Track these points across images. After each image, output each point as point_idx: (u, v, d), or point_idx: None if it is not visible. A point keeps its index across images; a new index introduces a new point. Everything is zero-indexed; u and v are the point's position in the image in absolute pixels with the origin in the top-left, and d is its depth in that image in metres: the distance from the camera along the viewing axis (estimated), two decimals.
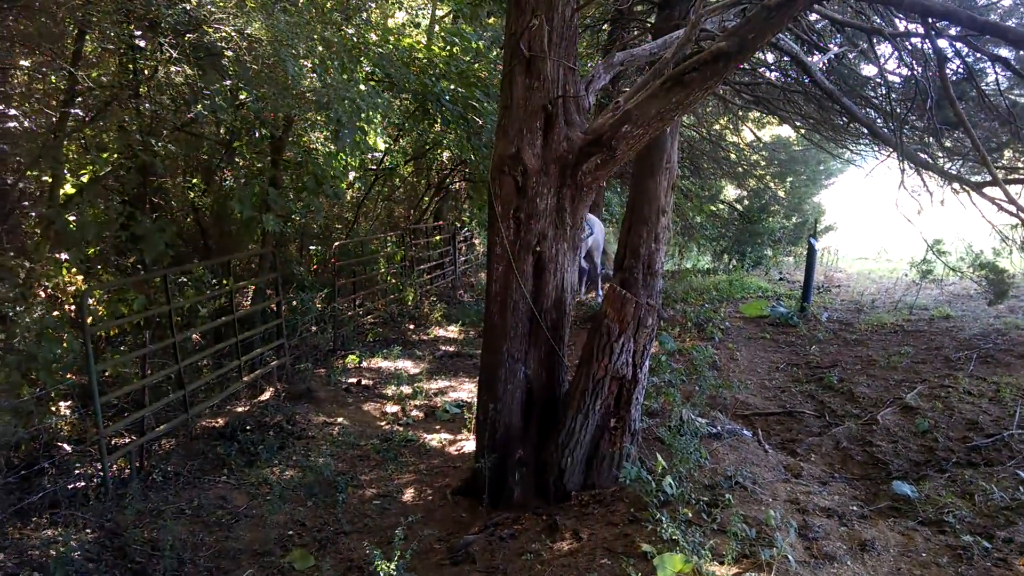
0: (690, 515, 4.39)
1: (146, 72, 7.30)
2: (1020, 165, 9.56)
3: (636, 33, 13.71)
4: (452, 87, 10.66)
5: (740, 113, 17.04)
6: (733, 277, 16.61)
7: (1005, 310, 11.37)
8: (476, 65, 11.48)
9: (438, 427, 8.05)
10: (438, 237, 16.97)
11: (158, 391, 7.46)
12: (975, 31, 6.54)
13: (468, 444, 7.39)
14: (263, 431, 7.40)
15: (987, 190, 7.61)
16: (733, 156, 18.68)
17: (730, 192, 21.04)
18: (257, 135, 8.81)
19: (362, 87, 8.73)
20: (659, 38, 7.32)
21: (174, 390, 7.22)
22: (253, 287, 9.67)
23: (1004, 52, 7.43)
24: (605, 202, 20.44)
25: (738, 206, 20.03)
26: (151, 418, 6.86)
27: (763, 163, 19.23)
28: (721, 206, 20.29)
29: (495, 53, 11.96)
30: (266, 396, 8.44)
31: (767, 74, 12.28)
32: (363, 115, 8.36)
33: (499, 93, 6.35)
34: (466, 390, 9.29)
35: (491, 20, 12.83)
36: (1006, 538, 4.64)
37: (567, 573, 4.17)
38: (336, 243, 11.98)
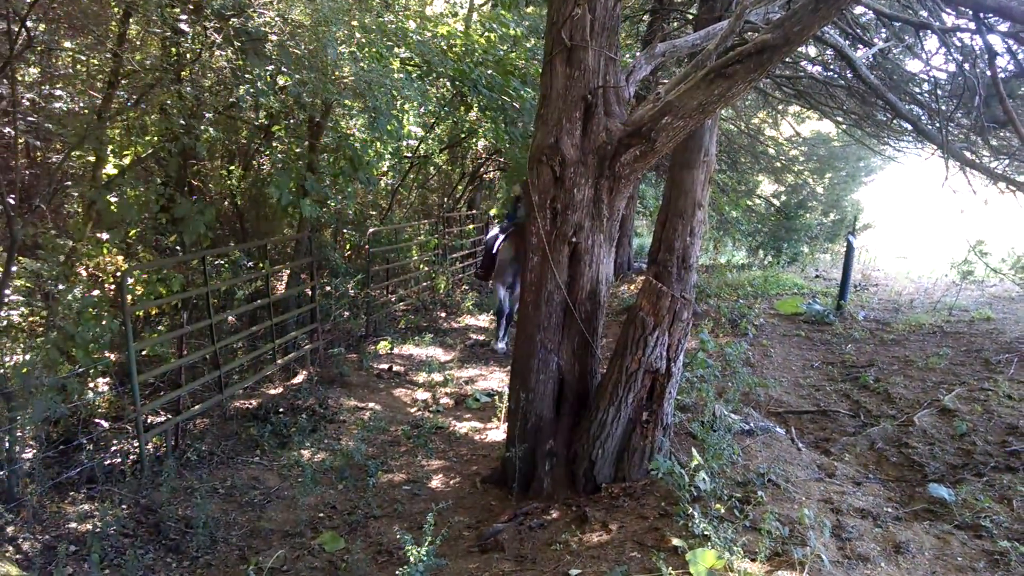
0: (722, 511, 4.35)
1: (189, 56, 7.37)
2: None
3: (676, 24, 13.60)
4: (489, 72, 10.62)
5: (780, 107, 16.83)
6: (768, 273, 16.42)
7: None
8: (513, 54, 11.44)
9: (468, 415, 8.08)
10: (471, 226, 16.99)
11: (194, 371, 7.57)
12: None
13: (497, 433, 7.41)
14: (295, 414, 7.48)
15: None
16: (771, 151, 18.46)
17: (767, 187, 20.81)
18: (296, 120, 8.87)
19: (398, 75, 8.74)
20: (701, 29, 7.24)
21: (209, 371, 7.32)
22: (288, 271, 9.76)
23: None
24: (640, 195, 20.32)
25: (775, 201, 19.80)
26: (187, 398, 6.96)
27: (802, 158, 18.98)
28: (758, 201, 20.06)
29: (532, 43, 11.91)
30: (299, 379, 8.52)
31: (809, 68, 12.11)
32: (399, 103, 8.38)
33: (538, 82, 6.32)
34: (496, 379, 9.31)
35: (530, 9, 12.78)
36: None
37: (596, 565, 4.16)
38: (370, 230, 12.05)
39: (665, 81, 7.85)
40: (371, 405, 8.14)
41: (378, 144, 10.18)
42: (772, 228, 19.27)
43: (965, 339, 10.07)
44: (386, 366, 9.53)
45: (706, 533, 3.92)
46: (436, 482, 6.40)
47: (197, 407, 6.91)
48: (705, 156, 10.48)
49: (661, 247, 10.66)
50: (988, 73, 6.52)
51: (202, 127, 7.71)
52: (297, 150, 8.93)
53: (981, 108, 7.35)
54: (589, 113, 5.48)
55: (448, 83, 10.94)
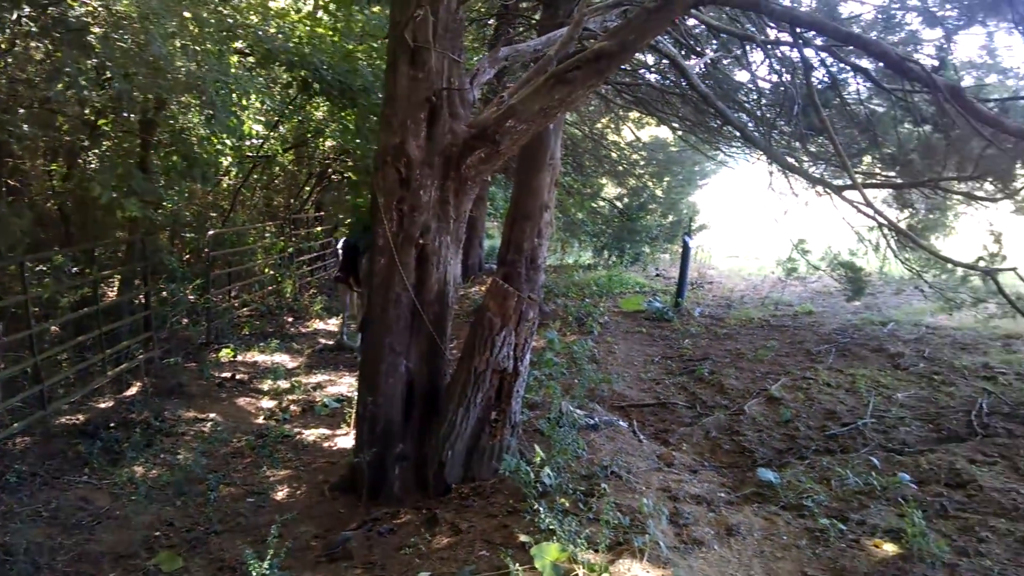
0: (567, 505, 4.46)
1: (3, 46, 6.79)
2: (878, 171, 10.18)
3: (522, 29, 13.83)
4: (336, 61, 10.31)
5: (621, 113, 17.45)
6: (612, 273, 17.03)
7: (861, 306, 12.15)
8: (362, 46, 11.22)
9: (316, 422, 7.88)
10: (319, 228, 16.60)
11: (12, 386, 6.98)
12: (839, 42, 6.92)
13: (347, 439, 7.27)
14: (129, 428, 7.04)
15: (847, 193, 8.03)
16: (614, 155, 19.12)
17: (610, 190, 21.53)
18: (127, 116, 8.35)
19: (234, 70, 8.39)
20: (544, 35, 7.41)
21: (30, 385, 6.77)
22: (120, 277, 9.18)
23: (865, 63, 7.86)
24: (489, 196, 20.53)
25: (618, 204, 20.52)
26: (5, 415, 6.41)
27: (642, 162, 19.76)
28: (602, 203, 20.72)
29: (380, 42, 11.76)
30: (132, 391, 8.04)
31: (647, 76, 12.64)
32: (237, 98, 8.05)
33: (384, 82, 6.25)
34: (346, 384, 9.13)
35: (376, 8, 12.61)
36: (859, 520, 4.94)
37: (446, 566, 4.16)
38: (210, 232, 11.53)
39: (511, 85, 7.97)
40: (212, 416, 7.78)
41: (215, 139, 9.70)
42: (616, 229, 19.96)
43: (790, 332, 10.83)
44: (229, 374, 9.15)
45: (551, 527, 4.00)
46: (282, 493, 6.20)
47: (16, 424, 6.38)
48: (551, 159, 10.73)
49: (510, 248, 10.83)
50: (805, 84, 7.03)
51: (17, 122, 7.12)
52: (125, 146, 8.41)
53: (800, 116, 7.91)
54: (434, 115, 5.47)
55: (289, 69, 10.54)
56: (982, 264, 8.02)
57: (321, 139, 14.68)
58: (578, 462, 5.31)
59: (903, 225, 9.47)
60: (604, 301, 13.40)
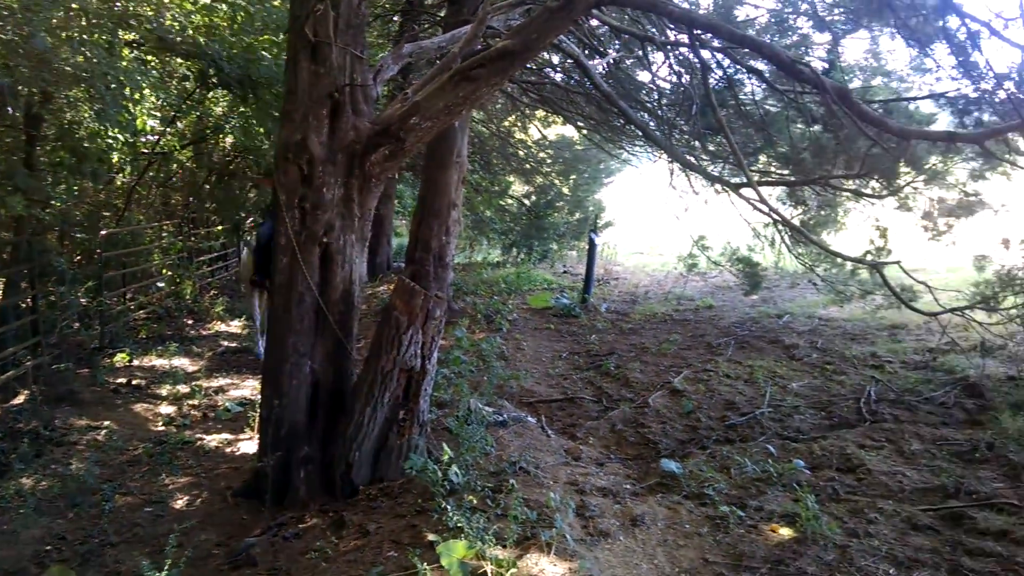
0: (475, 502, 4.47)
1: None
2: (773, 169, 10.57)
3: (427, 26, 13.75)
4: (236, 53, 10.00)
5: (527, 111, 17.56)
6: (521, 270, 17.16)
7: (759, 300, 12.60)
8: (264, 36, 10.92)
9: (219, 427, 7.64)
10: (220, 227, 16.12)
11: None
12: (734, 44, 7.15)
13: (250, 443, 7.08)
14: (15, 439, 6.67)
15: (743, 191, 8.31)
16: (521, 153, 19.24)
17: (518, 188, 21.66)
18: (9, 110, 7.90)
19: (125, 63, 8.04)
20: (449, 32, 7.39)
21: None
22: (4, 280, 8.68)
23: (760, 65, 8.14)
24: (397, 194, 20.37)
25: (526, 201, 20.67)
26: None
27: (549, 161, 19.94)
28: (510, 201, 20.82)
29: (282, 38, 11.48)
30: (19, 400, 7.62)
31: (552, 75, 12.76)
32: (130, 92, 7.72)
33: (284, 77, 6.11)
34: (249, 387, 8.90)
35: (276, 2, 12.32)
36: (757, 506, 5.13)
37: (353, 568, 4.11)
38: (104, 232, 11.04)
39: (417, 82, 7.92)
40: (107, 423, 7.45)
41: (106, 135, 9.25)
42: (524, 227, 20.10)
43: (691, 326, 11.14)
44: (124, 380, 8.78)
45: (459, 525, 4.00)
46: (182, 501, 5.99)
47: None
48: (458, 157, 10.72)
49: (418, 246, 10.77)
50: (703, 85, 7.23)
51: None
52: (8, 141, 7.95)
53: (698, 116, 8.14)
54: (337, 111, 5.39)
55: (186, 59, 10.16)
56: (869, 258, 8.43)
57: (221, 135, 14.24)
58: (486, 459, 5.33)
59: (796, 221, 9.88)
60: (513, 298, 13.49)
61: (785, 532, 4.75)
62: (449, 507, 4.22)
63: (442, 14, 12.49)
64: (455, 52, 5.49)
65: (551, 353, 9.96)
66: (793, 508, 4.97)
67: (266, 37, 10.62)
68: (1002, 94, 6.83)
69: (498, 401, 7.23)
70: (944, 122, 8.54)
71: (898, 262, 7.71)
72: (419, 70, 13.10)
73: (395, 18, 14.56)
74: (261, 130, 10.77)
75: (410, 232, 11.77)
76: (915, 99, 8.74)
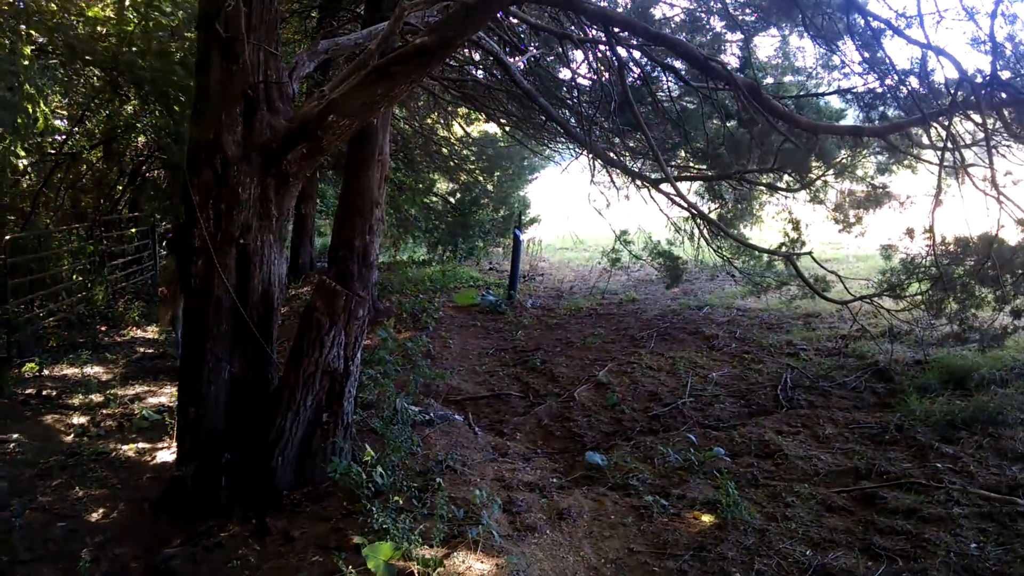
0: (401, 502, 4.45)
1: None
2: (691, 164, 10.80)
3: (346, 22, 13.57)
4: (148, 62, 9.73)
5: (450, 109, 17.52)
6: (447, 268, 17.12)
7: (680, 292, 12.86)
8: (175, 43, 10.64)
9: (135, 436, 7.39)
10: (134, 230, 15.59)
11: None
12: (650, 42, 7.28)
13: (170, 452, 6.88)
14: None
15: (663, 186, 8.47)
16: (445, 150, 19.17)
17: (443, 185, 21.58)
18: None
19: (27, 62, 7.71)
20: (366, 29, 7.31)
21: None
22: None
23: (676, 63, 8.30)
24: (319, 193, 20.05)
25: (451, 199, 20.62)
26: None
27: (473, 158, 19.94)
28: (435, 199, 20.74)
29: (195, 34, 11.17)
30: None
31: (473, 72, 12.76)
32: (34, 93, 7.41)
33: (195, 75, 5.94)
34: (167, 394, 8.63)
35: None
36: (680, 495, 5.24)
37: (277, 575, 4.05)
38: (7, 237, 10.55)
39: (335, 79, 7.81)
40: (15, 436, 7.12)
41: (7, 137, 8.84)
42: (449, 225, 20.06)
43: (615, 319, 11.30)
44: (34, 391, 8.41)
45: (385, 526, 3.98)
46: (97, 514, 5.77)
47: None
48: (380, 155, 10.62)
49: (341, 245, 10.64)
50: (620, 82, 7.33)
51: None
52: None
53: (617, 113, 8.25)
54: (251, 109, 5.27)
55: (98, 71, 9.83)
56: (784, 250, 8.70)
57: (133, 134, 13.77)
58: (413, 459, 5.30)
59: (714, 216, 10.13)
60: (439, 296, 13.44)
61: (707, 519, 4.87)
62: (375, 509, 4.20)
63: (360, 10, 12.34)
64: (372, 49, 5.44)
65: (478, 350, 9.96)
66: (714, 495, 5.09)
67: (176, 45, 10.34)
68: (905, 90, 7.12)
69: (424, 400, 7.20)
70: (852, 117, 8.86)
71: (810, 253, 7.99)
72: (341, 67, 12.93)
73: (312, 14, 14.31)
74: (172, 140, 10.46)
75: (332, 231, 11.62)
76: (824, 95, 9.06)
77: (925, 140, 8.53)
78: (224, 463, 5.33)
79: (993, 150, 7.10)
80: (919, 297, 8.12)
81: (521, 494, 5.00)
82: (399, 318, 11.30)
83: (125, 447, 7.06)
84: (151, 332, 11.79)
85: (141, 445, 7.12)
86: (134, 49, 9.60)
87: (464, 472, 5.17)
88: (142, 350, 10.71)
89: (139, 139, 14.28)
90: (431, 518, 4.25)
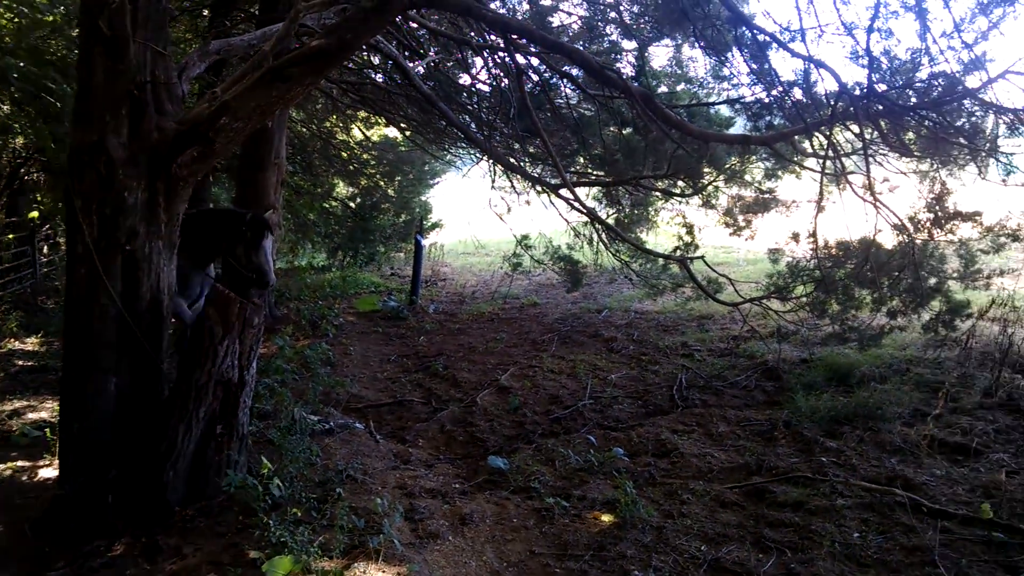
0: (300, 514, 4.35)
1: None
2: (590, 170, 10.99)
3: (239, 22, 13.19)
4: (22, 65, 9.22)
5: (349, 112, 17.28)
6: (347, 273, 16.85)
7: (580, 296, 13.06)
8: (52, 42, 10.12)
9: (14, 454, 6.97)
10: (11, 235, 14.73)
11: None
12: (548, 50, 7.38)
13: (52, 469, 6.53)
14: None
15: (562, 191, 8.59)
16: (344, 154, 18.86)
17: (342, 189, 21.24)
18: None
19: None
20: (261, 29, 7.13)
21: None
22: None
23: (574, 71, 8.43)
24: (213, 197, 19.41)
25: (351, 204, 20.31)
26: None
27: (373, 162, 19.69)
28: (334, 203, 20.37)
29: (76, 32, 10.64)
30: None
31: (373, 76, 12.62)
32: None
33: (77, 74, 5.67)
34: (49, 409, 8.19)
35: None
36: (580, 496, 5.33)
37: None
38: None
39: (227, 80, 7.56)
40: None
41: None
42: (349, 230, 19.74)
43: (517, 324, 11.38)
44: None
45: (283, 540, 3.89)
46: None
47: None
48: (276, 158, 10.38)
49: None
50: (518, 88, 7.41)
51: None
52: None
53: (516, 119, 8.32)
54: (138, 110, 5.06)
55: None
56: (678, 253, 8.95)
57: (8, 136, 13.00)
58: (312, 469, 5.20)
59: (612, 220, 10.33)
60: (339, 303, 13.22)
61: (607, 518, 4.97)
62: (272, 522, 4.09)
63: (254, 10, 12.04)
64: (267, 50, 5.31)
65: (379, 357, 9.85)
66: (613, 495, 5.20)
67: (55, 43, 9.83)
68: (790, 101, 7.44)
69: (324, 409, 7.07)
70: (741, 126, 9.20)
71: (703, 257, 8.26)
72: (233, 68, 12.57)
73: (204, 13, 13.86)
74: (52, 141, 9.91)
75: None
76: (714, 104, 9.37)
77: (808, 148, 8.95)
78: (111, 479, 5.10)
79: (871, 159, 7.51)
80: (804, 299, 8.51)
81: (423, 501, 4.98)
82: (297, 325, 11.06)
83: (2, 466, 6.66)
84: (31, 344, 11.16)
85: (20, 463, 6.72)
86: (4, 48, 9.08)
87: (365, 481, 5.11)
88: (21, 363, 10.11)
89: (17, 140, 13.50)
90: (331, 529, 4.18)
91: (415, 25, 9.44)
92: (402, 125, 14.26)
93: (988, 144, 8.17)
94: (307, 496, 4.66)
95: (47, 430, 7.28)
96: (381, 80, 12.40)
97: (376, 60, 12.16)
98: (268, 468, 4.62)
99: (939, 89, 7.20)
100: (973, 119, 7.96)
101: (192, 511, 4.91)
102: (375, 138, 19.69)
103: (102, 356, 5.05)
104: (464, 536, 4.59)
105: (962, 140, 7.81)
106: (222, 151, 5.19)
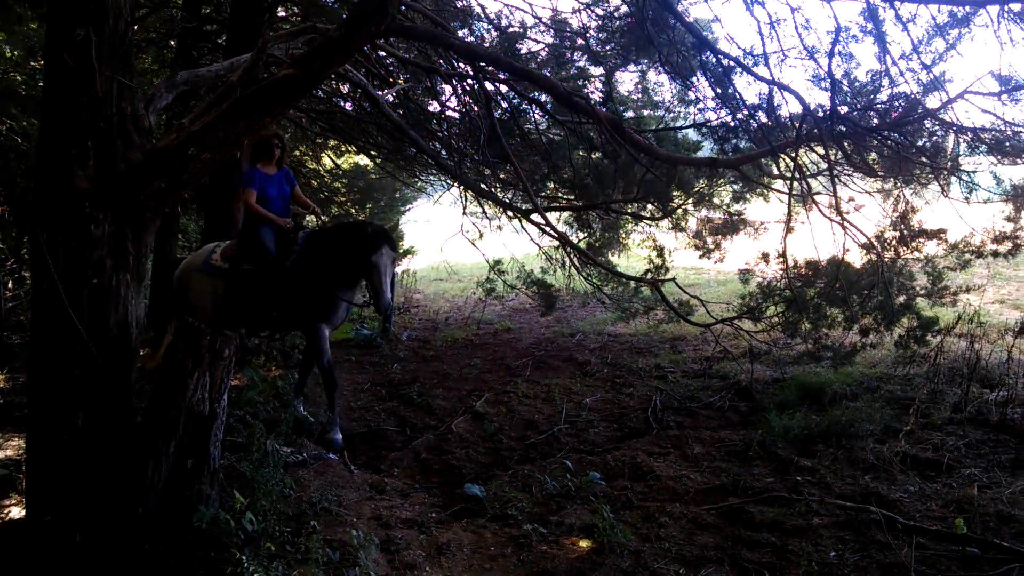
0: (274, 549, 4.29)
1: None
2: (560, 195, 11.05)
3: (207, 52, 13.16)
4: None
5: (319, 141, 17.27)
6: None
7: (553, 320, 13.08)
8: (14, 75, 10.02)
9: None
10: None
11: None
12: (516, 77, 7.44)
13: (19, 509, 6.37)
14: None
15: (533, 216, 8.61)
16: (315, 183, 18.81)
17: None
18: None
19: None
20: (228, 60, 7.12)
21: None
22: None
23: (543, 97, 8.50)
24: (181, 228, 19.23)
25: None
26: None
27: (344, 190, 19.65)
28: None
29: (38, 64, 10.55)
30: None
31: (342, 104, 12.64)
32: None
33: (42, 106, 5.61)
34: (15, 446, 8.01)
35: (34, 25, 11.34)
36: (558, 521, 5.30)
37: None
38: None
39: (195, 111, 7.52)
40: None
41: None
42: None
43: (491, 349, 11.36)
44: None
45: (256, 575, 3.82)
46: None
47: None
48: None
49: None
50: (488, 115, 7.45)
51: None
52: None
53: (486, 146, 8.35)
54: (104, 142, 5.02)
55: None
56: (649, 276, 9.01)
57: None
58: (285, 502, 5.13)
59: (583, 244, 10.39)
60: None
61: (584, 544, 4.94)
62: (245, 558, 4.02)
63: (222, 41, 12.03)
64: (235, 80, 5.31)
65: (353, 386, 9.77)
66: (591, 519, 5.18)
67: (18, 77, 9.74)
68: (755, 124, 7.56)
69: (298, 440, 6.98)
70: (708, 149, 9.31)
71: (674, 279, 8.32)
72: (201, 99, 12.50)
73: (171, 43, 13.80)
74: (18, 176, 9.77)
75: None
76: (681, 128, 9.48)
77: (775, 170, 9.08)
78: (79, 517, 4.99)
79: (836, 179, 7.64)
80: (775, 319, 8.60)
81: (399, 531, 4.92)
82: (269, 356, 10.95)
83: None
84: None
85: None
86: None
87: (340, 512, 5.05)
88: None
89: None
90: (306, 563, 4.12)
91: (384, 54, 9.48)
92: (372, 153, 14.28)
93: (950, 163, 8.35)
94: (281, 530, 4.58)
95: (12, 468, 7.13)
96: (350, 108, 12.41)
97: (345, 89, 12.18)
98: (241, 502, 4.55)
99: (900, 110, 7.36)
100: (934, 138, 8.15)
101: (163, 548, 4.81)
102: (345, 166, 19.66)
103: (69, 391, 4.96)
104: (441, 566, 4.54)
105: (924, 159, 7.98)
106: (190, 182, 5.16)
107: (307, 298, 7.11)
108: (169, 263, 15.73)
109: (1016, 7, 5.94)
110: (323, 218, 8.00)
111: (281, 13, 11.64)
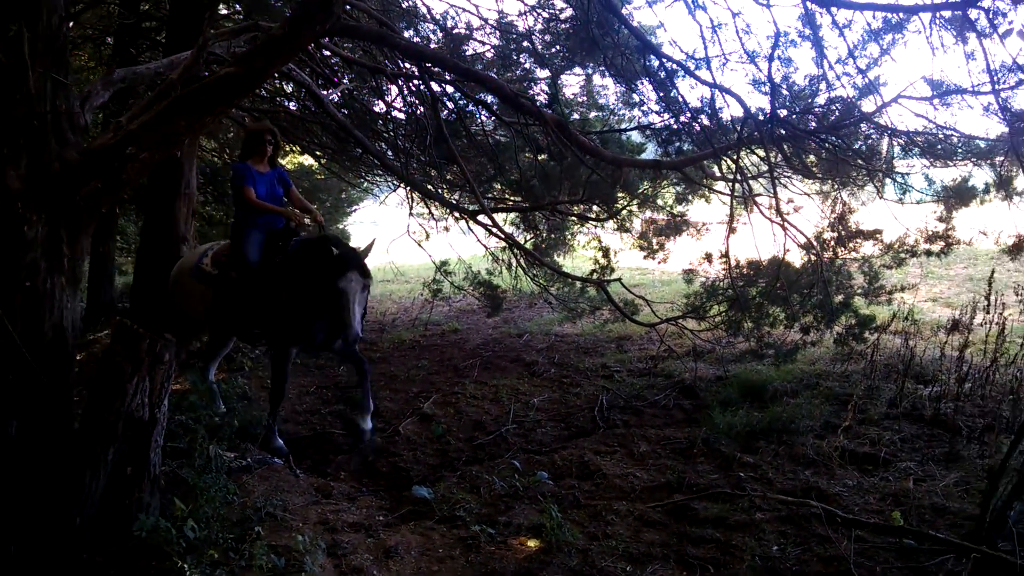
0: (217, 556, 4.21)
1: None
2: (507, 196, 11.09)
3: (145, 49, 12.87)
4: None
5: None
6: None
7: (501, 321, 13.10)
8: None
9: None
10: None
11: None
12: (462, 77, 7.44)
13: None
14: None
15: (480, 217, 8.63)
16: None
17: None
18: None
19: None
20: (168, 57, 6.99)
21: None
22: None
23: (489, 98, 8.52)
24: (120, 229, 18.75)
25: None
26: None
27: None
28: None
29: None
30: None
31: (286, 104, 12.48)
32: None
33: None
34: None
35: None
36: (506, 522, 5.30)
37: None
38: None
39: (133, 109, 7.35)
40: None
41: None
42: None
43: (439, 350, 11.33)
44: None
45: None
46: None
47: None
48: (187, 188, 10.12)
49: (144, 285, 10.01)
50: (434, 116, 7.45)
51: None
52: None
53: (432, 146, 8.35)
54: (38, 141, 4.88)
55: None
56: (595, 276, 9.09)
57: None
58: (229, 508, 5.04)
59: (530, 245, 10.44)
60: None
61: (532, 544, 4.96)
62: (187, 566, 3.95)
63: (161, 38, 11.78)
64: (174, 79, 5.21)
65: (298, 389, 9.63)
66: (539, 519, 5.19)
67: None
68: (697, 126, 7.69)
69: (242, 445, 6.87)
70: (652, 151, 9.44)
71: (619, 279, 8.41)
72: (140, 97, 12.21)
73: (108, 40, 13.47)
74: None
75: (135, 269, 10.91)
76: (626, 130, 9.60)
77: (717, 172, 9.25)
78: (14, 528, 4.83)
79: (776, 181, 7.82)
80: (719, 318, 8.75)
81: (346, 536, 4.88)
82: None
83: None
84: None
85: None
86: None
87: (285, 518, 4.98)
88: None
89: None
90: (250, 570, 4.06)
91: (328, 53, 9.40)
92: (317, 153, 14.14)
93: (885, 165, 8.62)
94: (224, 537, 4.50)
95: None
96: (295, 108, 12.28)
97: (289, 88, 12.04)
98: (182, 509, 4.46)
99: (837, 113, 7.57)
100: (870, 141, 8.40)
101: (101, 558, 4.69)
102: (290, 166, 19.41)
103: (1, 399, 4.80)
104: (389, 570, 4.51)
105: (860, 162, 8.23)
106: (129, 182, 5.04)
107: (279, 316, 6.76)
108: (106, 266, 15.40)
109: (947, 14, 6.16)
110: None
111: (223, 11, 11.43)
